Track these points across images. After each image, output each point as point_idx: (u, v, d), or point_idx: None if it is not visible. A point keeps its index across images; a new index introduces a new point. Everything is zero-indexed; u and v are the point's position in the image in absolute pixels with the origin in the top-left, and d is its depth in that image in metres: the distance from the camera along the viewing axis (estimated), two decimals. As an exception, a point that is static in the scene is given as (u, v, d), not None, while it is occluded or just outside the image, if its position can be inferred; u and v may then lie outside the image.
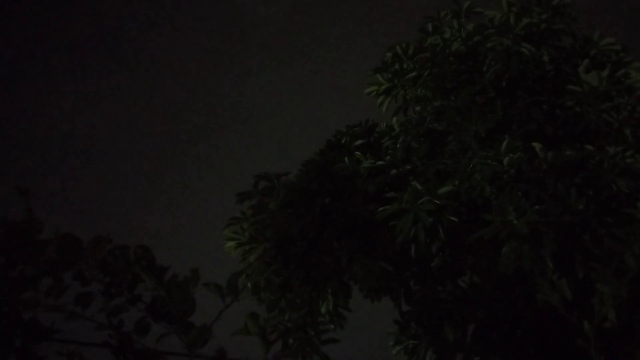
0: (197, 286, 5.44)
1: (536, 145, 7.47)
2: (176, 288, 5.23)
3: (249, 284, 8.48)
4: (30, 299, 5.64)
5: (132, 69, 15.58)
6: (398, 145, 8.33)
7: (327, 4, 15.20)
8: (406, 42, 8.92)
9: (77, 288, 6.20)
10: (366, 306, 8.55)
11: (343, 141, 8.92)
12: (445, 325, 7.95)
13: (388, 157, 8.32)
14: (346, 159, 8.31)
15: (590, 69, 7.92)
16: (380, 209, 7.86)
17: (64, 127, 15.14)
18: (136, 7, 17.04)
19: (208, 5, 16.24)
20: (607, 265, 6.58)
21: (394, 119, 8.69)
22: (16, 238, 5.68)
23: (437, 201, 7.58)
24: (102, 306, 5.80)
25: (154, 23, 16.15)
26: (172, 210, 13.36)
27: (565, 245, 7.18)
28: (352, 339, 8.63)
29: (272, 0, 15.45)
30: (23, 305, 5.61)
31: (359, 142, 8.75)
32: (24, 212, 6.02)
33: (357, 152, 8.43)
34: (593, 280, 6.82)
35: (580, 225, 7.14)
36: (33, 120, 15.09)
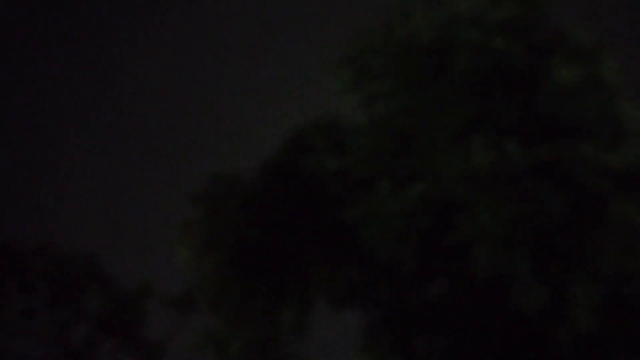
0: (148, 298, 5.05)
1: (509, 144, 7.21)
2: (126, 301, 4.82)
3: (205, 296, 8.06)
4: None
5: (78, 69, 14.93)
6: (364, 145, 8.00)
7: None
8: (372, 31, 8.57)
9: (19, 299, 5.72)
10: (331, 315, 8.19)
11: (306, 139, 8.57)
12: (415, 335, 7.65)
13: (354, 157, 7.98)
14: (310, 159, 7.95)
15: (563, 64, 7.73)
16: (347, 212, 7.52)
17: (6, 130, 14.38)
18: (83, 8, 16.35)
19: (165, 5, 15.70)
20: (582, 269, 6.36)
21: (360, 115, 8.36)
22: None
23: (406, 203, 7.29)
24: (47, 319, 5.38)
25: (99, 23, 15.52)
26: (120, 213, 12.78)
27: (539, 248, 6.96)
28: (316, 350, 8.24)
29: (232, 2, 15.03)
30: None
31: (322, 140, 8.40)
32: None
33: (320, 153, 8.07)
34: (567, 285, 6.59)
35: (554, 228, 6.92)
36: None
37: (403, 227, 7.42)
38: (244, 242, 8.31)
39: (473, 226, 7.09)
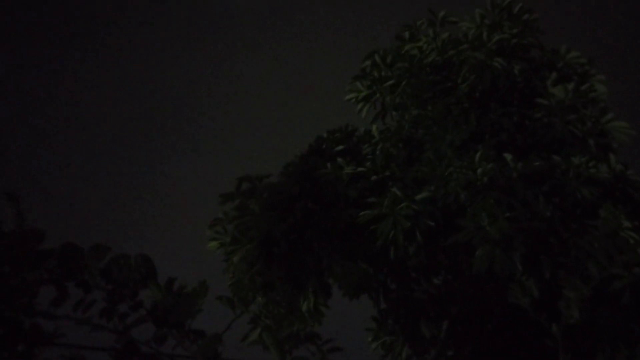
0: (205, 298, 5.77)
1: (507, 156, 7.99)
2: (185, 299, 5.56)
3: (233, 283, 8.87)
4: (30, 306, 5.91)
5: (114, 76, 15.57)
6: (378, 152, 8.77)
7: (310, 10, 15.54)
8: (384, 49, 9.32)
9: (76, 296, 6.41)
10: (345, 304, 9.01)
11: (324, 146, 9.33)
12: (421, 322, 8.48)
13: (368, 163, 8.76)
14: (329, 165, 8.71)
15: (557, 82, 8.44)
16: (362, 213, 8.29)
17: (56, 136, 15.09)
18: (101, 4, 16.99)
19: (199, 12, 16.27)
20: (573, 273, 7.15)
21: (374, 126, 9.13)
22: (19, 247, 5.94)
23: (415, 206, 8.05)
24: (105, 312, 6.06)
25: (127, 22, 16.15)
26: (156, 211, 13.55)
27: (533, 249, 7.74)
28: (333, 335, 9.10)
29: (261, 9, 15.66)
30: (24, 311, 5.89)
31: (339, 147, 9.17)
32: (15, 218, 6.27)
33: (338, 159, 8.84)
34: (559, 282, 7.39)
35: (547, 231, 7.69)
36: (26, 127, 15.03)
37: (411, 227, 8.15)
38: (268, 238, 9.02)
39: (474, 228, 7.83)
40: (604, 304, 7.51)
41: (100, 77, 16.04)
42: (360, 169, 8.74)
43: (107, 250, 6.50)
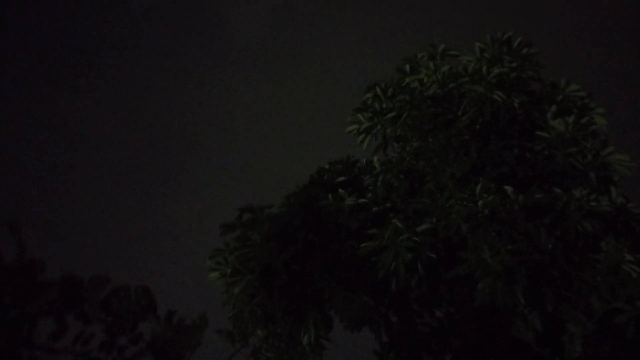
0: (205, 331, 5.71)
1: (508, 189, 7.99)
2: (184, 332, 5.50)
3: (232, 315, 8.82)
4: (29, 339, 5.86)
5: (116, 108, 15.67)
6: (379, 184, 8.77)
7: (312, 42, 15.71)
8: (385, 82, 9.39)
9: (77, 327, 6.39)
10: (347, 337, 8.93)
11: (325, 177, 9.34)
12: (423, 356, 8.39)
13: (369, 194, 8.76)
14: (330, 196, 8.71)
15: (557, 115, 8.49)
16: (363, 245, 8.27)
17: (58, 167, 15.13)
18: (113, 25, 17.19)
19: (198, 37, 16.44)
20: (576, 306, 7.10)
21: (375, 157, 9.14)
22: (20, 279, 5.90)
23: (416, 238, 8.04)
24: (104, 345, 6.00)
25: (132, 45, 16.31)
26: (156, 243, 13.54)
27: (535, 282, 7.70)
28: (334, 367, 9.02)
29: (264, 43, 15.85)
30: (23, 344, 5.84)
31: (340, 178, 9.17)
32: (16, 248, 6.24)
33: (340, 190, 8.85)
34: (562, 316, 7.33)
35: (549, 263, 7.66)
36: (27, 157, 15.12)
37: (413, 259, 8.12)
38: (269, 269, 8.97)
39: (475, 260, 7.79)
40: (607, 338, 7.44)
41: (103, 109, 16.16)
42: (361, 200, 8.74)
43: (107, 281, 6.43)
